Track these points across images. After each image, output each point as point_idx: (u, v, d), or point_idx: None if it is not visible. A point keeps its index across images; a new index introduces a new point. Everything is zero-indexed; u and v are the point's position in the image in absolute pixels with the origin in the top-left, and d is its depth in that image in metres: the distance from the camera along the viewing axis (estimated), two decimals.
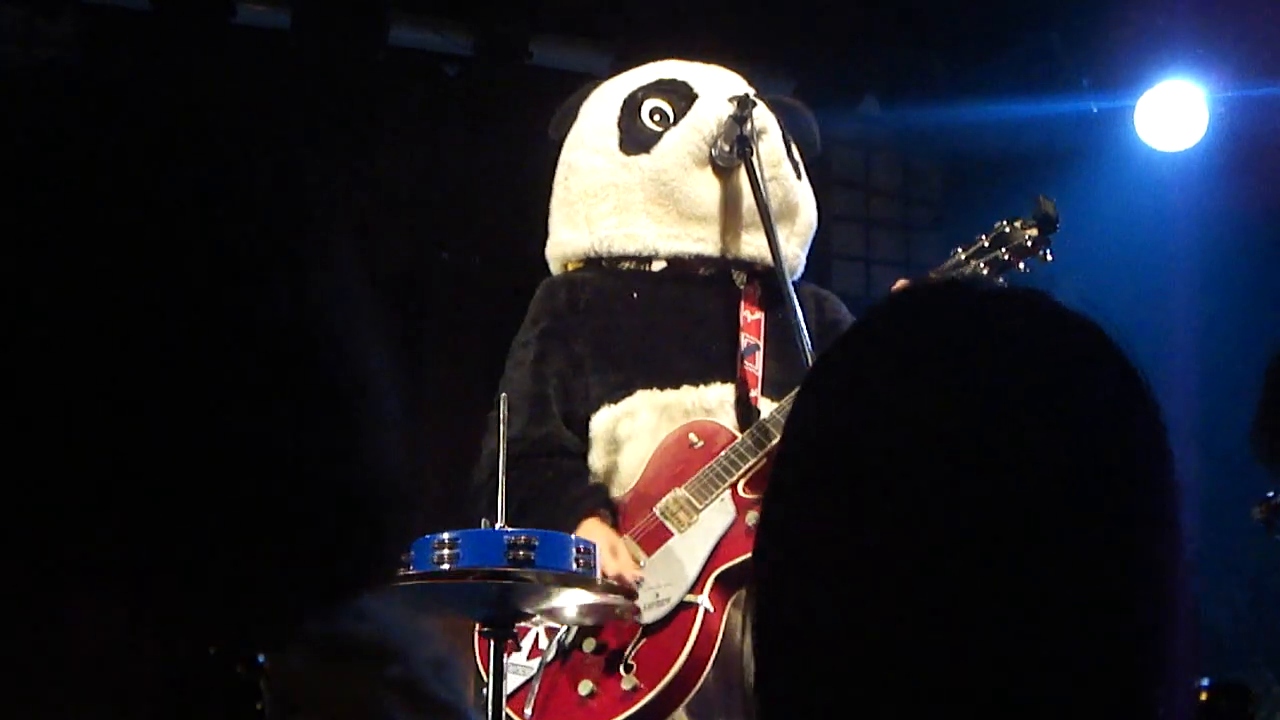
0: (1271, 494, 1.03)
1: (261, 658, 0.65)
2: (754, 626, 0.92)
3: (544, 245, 3.28)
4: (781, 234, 3.08)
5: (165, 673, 0.63)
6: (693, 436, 2.95)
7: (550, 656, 2.80)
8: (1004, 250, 2.94)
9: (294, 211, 0.78)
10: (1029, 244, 2.93)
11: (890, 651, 0.83)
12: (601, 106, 3.22)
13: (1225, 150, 5.16)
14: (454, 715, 0.80)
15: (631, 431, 2.96)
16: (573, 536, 2.49)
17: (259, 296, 0.73)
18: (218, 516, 0.70)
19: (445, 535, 2.33)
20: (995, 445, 0.85)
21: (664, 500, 2.89)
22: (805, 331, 2.82)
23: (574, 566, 2.35)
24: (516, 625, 2.57)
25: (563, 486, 2.94)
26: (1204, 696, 0.78)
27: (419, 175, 5.66)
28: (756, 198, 2.96)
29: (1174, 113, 5.21)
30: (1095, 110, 5.40)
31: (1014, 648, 0.82)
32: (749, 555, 3.00)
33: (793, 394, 2.88)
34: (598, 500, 2.91)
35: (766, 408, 2.97)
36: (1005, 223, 2.96)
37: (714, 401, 2.97)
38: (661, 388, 2.98)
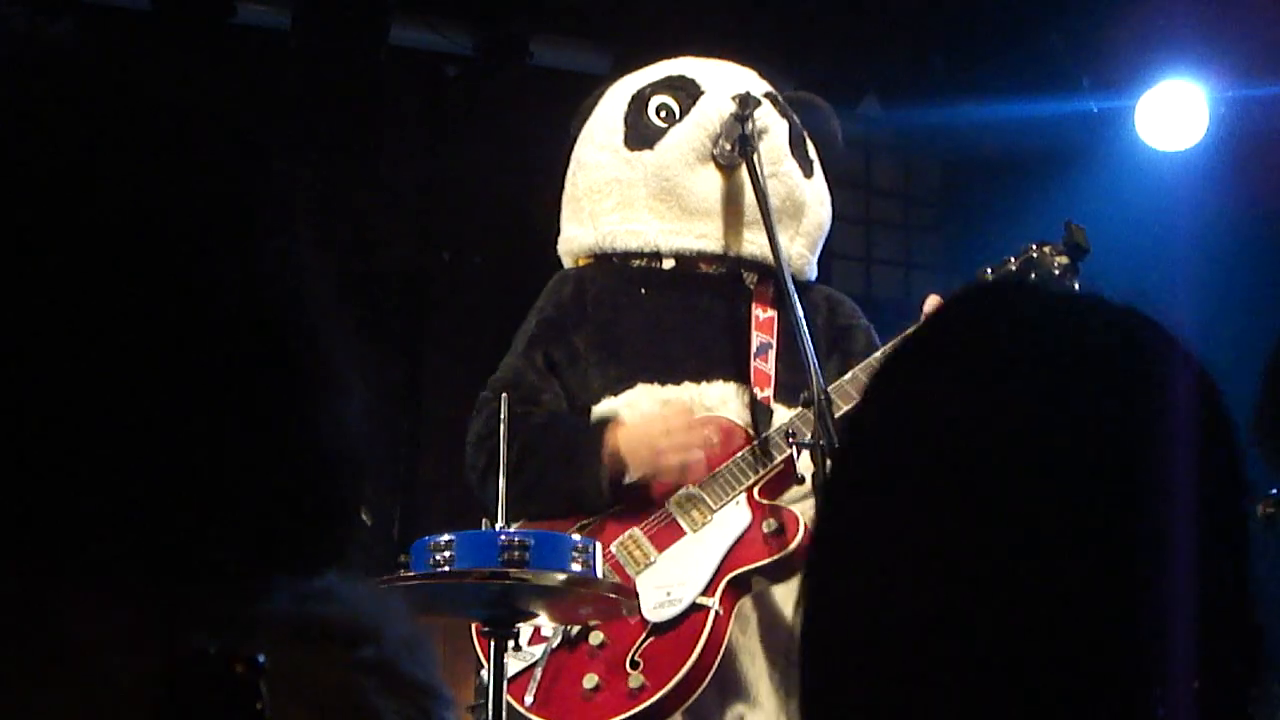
0: (1276, 490, 1.02)
1: (262, 658, 0.65)
2: (807, 628, 0.91)
3: (555, 240, 3.29)
4: (786, 233, 3.06)
5: (165, 673, 0.64)
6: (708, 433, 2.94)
7: (555, 644, 2.79)
8: (1032, 275, 2.92)
9: (250, 188, 0.80)
10: (1057, 271, 2.90)
11: (895, 642, 0.83)
12: (612, 103, 3.23)
13: (1225, 150, 5.17)
14: (429, 694, 0.80)
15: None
16: (570, 535, 2.46)
17: (215, 278, 0.75)
18: (172, 494, 0.72)
19: (442, 537, 2.33)
20: (1061, 449, 0.85)
21: (677, 495, 2.88)
22: (807, 332, 2.80)
23: (572, 566, 2.34)
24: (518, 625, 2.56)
25: (562, 419, 2.95)
26: None
27: (419, 175, 5.66)
28: (757, 195, 2.95)
29: (1174, 112, 5.21)
30: (1095, 110, 5.40)
31: (1014, 645, 0.82)
32: (763, 562, 2.98)
33: (796, 413, 2.83)
34: (605, 421, 2.90)
35: (778, 410, 2.95)
36: (1035, 247, 2.93)
37: (715, 399, 2.96)
38: (663, 382, 2.96)
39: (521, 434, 2.87)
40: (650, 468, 2.83)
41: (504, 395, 2.65)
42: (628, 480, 2.86)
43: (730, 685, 2.81)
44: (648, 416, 2.87)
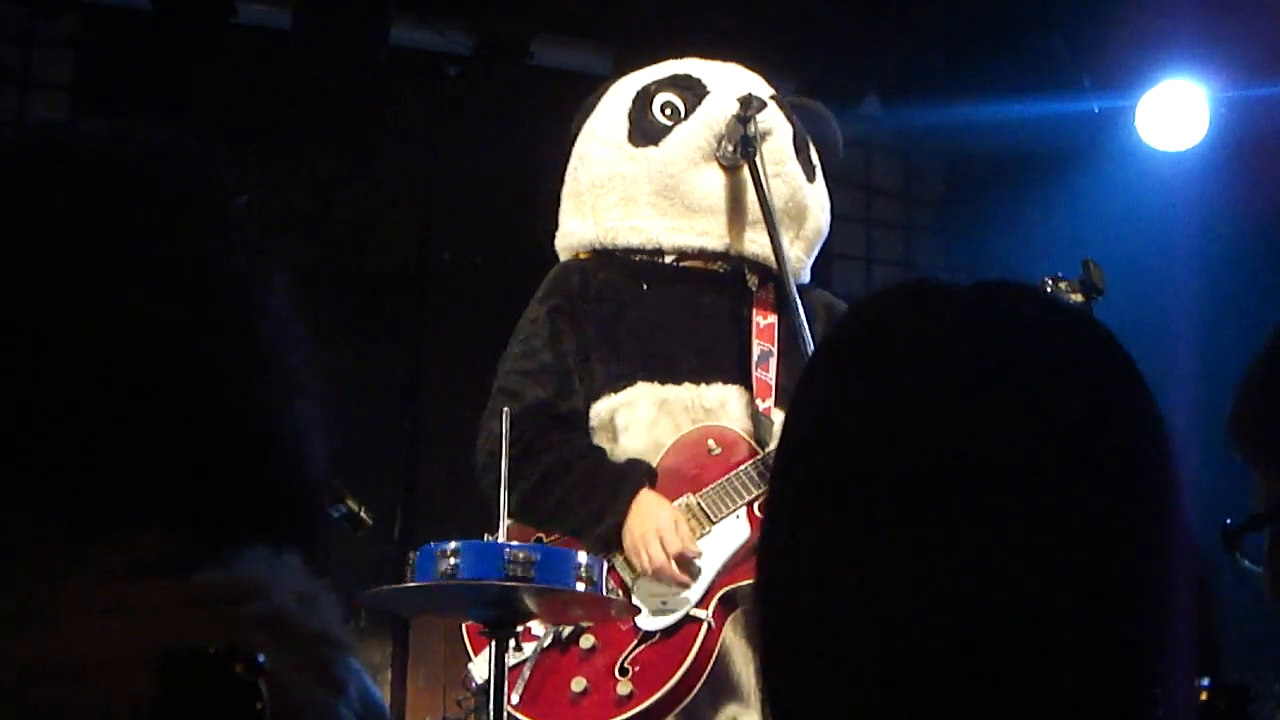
0: (1229, 520, 1.01)
1: (261, 657, 0.65)
2: (760, 625, 0.91)
3: (554, 238, 3.27)
4: (787, 235, 3.04)
5: (165, 673, 0.64)
6: (711, 442, 2.90)
7: (547, 644, 2.79)
8: None
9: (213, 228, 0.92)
10: None
11: (890, 649, 0.83)
12: (615, 99, 3.22)
13: (1226, 150, 5.17)
14: (326, 642, 0.81)
15: (629, 422, 2.94)
16: (575, 552, 2.45)
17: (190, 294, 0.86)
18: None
19: (448, 545, 2.33)
20: (993, 441, 0.85)
21: (676, 504, 2.86)
22: (809, 335, 2.79)
23: (576, 585, 2.33)
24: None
25: (600, 460, 2.92)
26: (1204, 696, 0.77)
27: (419, 175, 5.66)
28: (759, 195, 2.94)
29: (1175, 112, 5.21)
30: (1096, 110, 5.40)
31: (1012, 647, 0.82)
32: None
33: None
34: (642, 472, 2.88)
35: (779, 417, 2.92)
36: (1050, 281, 2.90)
37: (714, 401, 2.94)
38: (662, 382, 2.94)
39: (543, 458, 2.86)
40: (633, 553, 2.82)
41: (505, 411, 2.63)
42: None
43: (723, 685, 2.81)
44: (662, 517, 2.81)
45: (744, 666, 2.82)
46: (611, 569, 2.79)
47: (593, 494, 2.85)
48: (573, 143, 3.26)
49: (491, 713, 2.39)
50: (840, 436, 0.89)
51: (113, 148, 0.89)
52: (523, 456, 2.77)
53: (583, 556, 2.40)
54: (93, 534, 0.79)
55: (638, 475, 2.86)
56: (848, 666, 0.84)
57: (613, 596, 2.54)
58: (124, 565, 0.78)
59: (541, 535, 2.87)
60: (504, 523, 2.51)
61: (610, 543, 2.83)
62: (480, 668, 2.71)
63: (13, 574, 0.76)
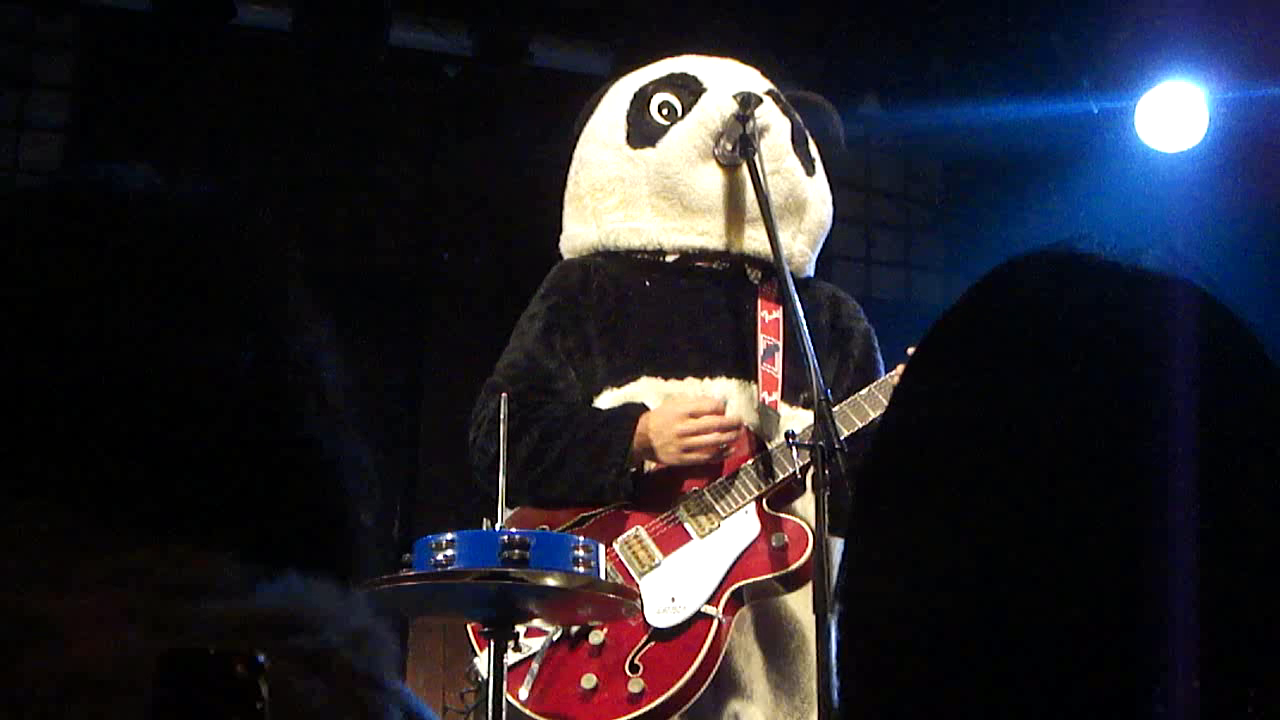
0: None
1: (261, 657, 0.65)
2: (843, 629, 0.89)
3: (554, 238, 3.28)
4: (788, 231, 3.06)
5: (164, 673, 0.64)
6: None
7: (555, 638, 2.79)
8: None
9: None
10: None
11: (947, 639, 0.82)
12: (614, 101, 3.22)
13: (1225, 151, 5.17)
14: (372, 685, 0.80)
15: None
16: (573, 536, 2.45)
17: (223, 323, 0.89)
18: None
19: (444, 536, 2.32)
20: (1113, 434, 0.83)
21: (685, 498, 2.87)
22: (806, 330, 2.79)
23: (573, 567, 2.33)
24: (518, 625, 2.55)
25: (582, 408, 2.94)
26: None
27: (418, 175, 5.67)
28: (758, 195, 2.94)
29: (1174, 113, 5.22)
30: (1095, 111, 5.41)
31: (1016, 642, 0.82)
32: (768, 576, 2.93)
33: (807, 429, 2.78)
34: (638, 405, 2.90)
35: (785, 411, 2.95)
36: None
37: (718, 395, 2.94)
38: (666, 376, 2.95)
39: (540, 421, 2.87)
40: (676, 457, 2.82)
41: (503, 397, 2.64)
42: (651, 468, 2.85)
43: (726, 682, 2.81)
44: (674, 401, 2.86)
45: (746, 664, 2.82)
46: (618, 561, 2.80)
47: (595, 433, 2.86)
48: (573, 146, 3.27)
49: (490, 714, 2.39)
50: (941, 426, 0.87)
51: (184, 202, 0.93)
52: (517, 429, 2.77)
53: (579, 538, 2.40)
54: (148, 546, 0.79)
55: (635, 408, 2.88)
56: (936, 659, 0.83)
57: (615, 586, 2.53)
58: (177, 584, 0.78)
59: (546, 526, 2.86)
60: (503, 512, 2.50)
61: (619, 483, 2.82)
62: (484, 662, 2.71)
63: (61, 581, 0.76)
